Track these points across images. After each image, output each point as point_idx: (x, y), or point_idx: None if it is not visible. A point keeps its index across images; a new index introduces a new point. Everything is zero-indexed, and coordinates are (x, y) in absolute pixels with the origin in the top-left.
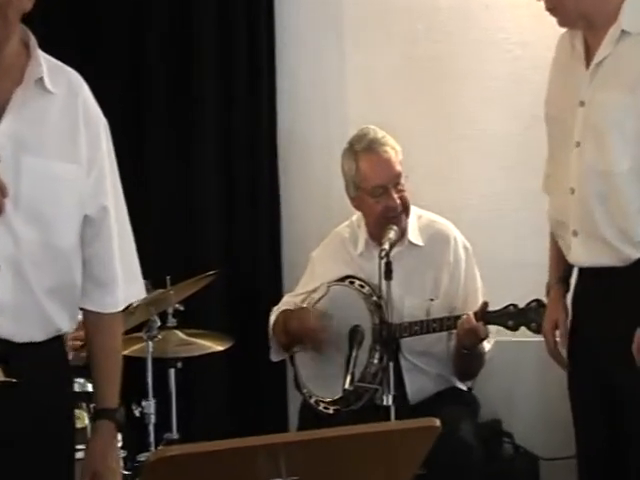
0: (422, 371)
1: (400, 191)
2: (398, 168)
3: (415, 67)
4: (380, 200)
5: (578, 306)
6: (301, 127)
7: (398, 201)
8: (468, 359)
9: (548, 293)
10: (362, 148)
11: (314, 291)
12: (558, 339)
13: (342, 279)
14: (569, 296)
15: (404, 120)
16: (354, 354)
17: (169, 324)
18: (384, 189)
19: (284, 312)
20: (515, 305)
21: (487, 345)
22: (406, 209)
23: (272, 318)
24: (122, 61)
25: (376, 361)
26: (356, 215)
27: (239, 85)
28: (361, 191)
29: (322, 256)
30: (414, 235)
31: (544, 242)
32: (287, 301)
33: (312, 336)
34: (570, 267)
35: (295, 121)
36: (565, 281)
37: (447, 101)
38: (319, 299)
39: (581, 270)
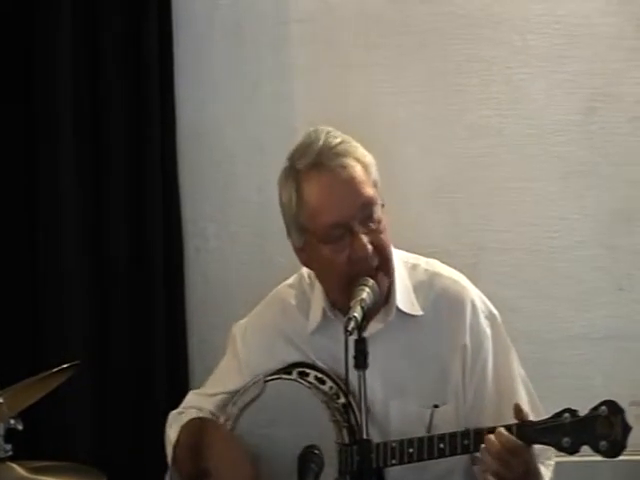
0: None
1: (373, 231)
2: (368, 191)
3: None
4: (340, 247)
5: None
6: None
7: (369, 247)
8: None
9: None
10: (307, 165)
11: (243, 391)
12: None
13: (286, 369)
14: None
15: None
16: None
17: None
18: (345, 229)
19: (193, 423)
20: (573, 412)
21: (546, 472)
22: (385, 261)
23: (170, 433)
24: None
25: None
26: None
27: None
28: (309, 235)
29: (253, 333)
30: (405, 299)
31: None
32: (194, 403)
33: None
34: None
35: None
36: None
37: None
38: (249, 403)
39: None
